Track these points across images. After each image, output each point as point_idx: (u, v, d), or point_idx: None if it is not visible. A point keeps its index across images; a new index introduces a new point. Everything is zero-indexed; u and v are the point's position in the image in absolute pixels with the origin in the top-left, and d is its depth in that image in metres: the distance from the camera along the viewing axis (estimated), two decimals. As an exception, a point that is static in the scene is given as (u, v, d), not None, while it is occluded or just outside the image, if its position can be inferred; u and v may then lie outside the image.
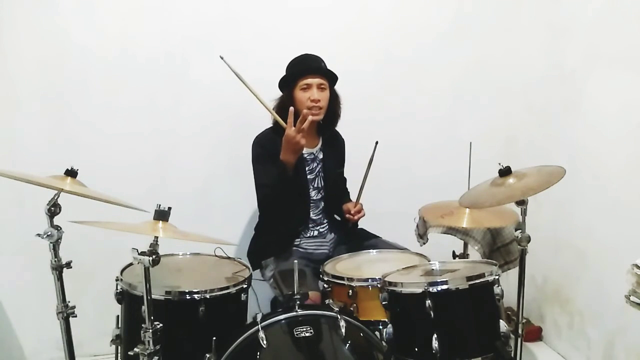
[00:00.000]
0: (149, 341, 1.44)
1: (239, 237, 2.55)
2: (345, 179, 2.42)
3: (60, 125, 2.41)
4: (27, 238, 1.66)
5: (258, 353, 1.51)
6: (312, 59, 2.16)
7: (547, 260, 2.54)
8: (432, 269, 1.79)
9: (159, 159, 2.54)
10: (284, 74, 2.17)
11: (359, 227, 2.32)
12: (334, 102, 2.20)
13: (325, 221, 2.29)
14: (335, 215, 2.39)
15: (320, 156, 2.26)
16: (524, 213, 1.67)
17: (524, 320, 1.82)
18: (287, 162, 2.01)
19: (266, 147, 2.14)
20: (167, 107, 2.52)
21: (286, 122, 2.00)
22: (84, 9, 2.37)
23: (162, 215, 1.46)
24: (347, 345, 1.58)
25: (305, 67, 2.13)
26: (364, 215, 2.25)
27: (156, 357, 1.45)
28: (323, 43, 2.51)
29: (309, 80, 2.09)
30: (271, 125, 2.21)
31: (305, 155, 2.21)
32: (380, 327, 1.72)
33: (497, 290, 1.61)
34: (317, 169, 2.26)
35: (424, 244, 2.20)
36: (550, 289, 2.58)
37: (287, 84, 2.14)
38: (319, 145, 2.27)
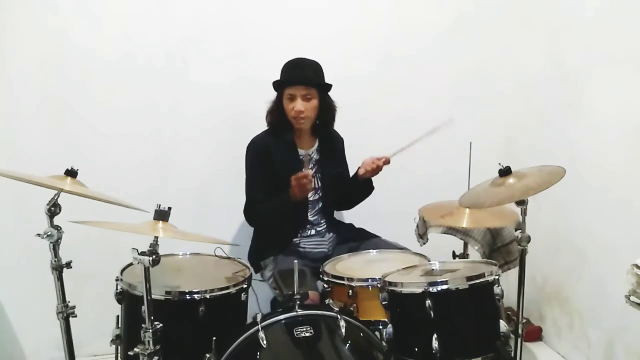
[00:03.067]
0: (149, 341, 1.44)
1: (239, 237, 2.55)
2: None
3: (60, 125, 2.41)
4: (27, 238, 1.66)
5: (258, 353, 1.51)
6: (301, 67, 2.12)
7: (547, 260, 2.54)
8: (432, 269, 1.79)
9: (159, 159, 2.54)
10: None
11: (358, 227, 2.31)
12: (325, 109, 2.18)
13: (323, 221, 2.29)
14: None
15: (317, 157, 2.26)
16: (524, 213, 1.67)
17: (524, 320, 1.82)
18: (295, 198, 2.03)
19: (261, 153, 2.15)
20: (167, 107, 2.52)
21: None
22: (83, 9, 2.37)
23: (162, 215, 1.47)
24: (347, 345, 1.58)
25: (290, 77, 2.11)
26: (377, 169, 2.16)
27: (156, 357, 1.45)
28: (323, 44, 2.52)
29: (293, 91, 2.09)
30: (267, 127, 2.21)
31: (302, 157, 2.21)
32: (380, 327, 1.72)
33: (497, 290, 1.61)
34: (314, 169, 2.25)
35: (424, 244, 2.20)
36: (550, 289, 2.58)
37: (276, 90, 2.15)
38: (315, 146, 2.27)
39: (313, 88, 2.10)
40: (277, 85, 2.13)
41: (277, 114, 2.15)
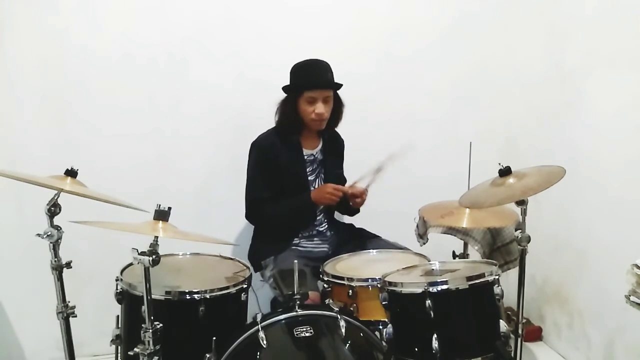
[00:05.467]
0: (149, 341, 1.44)
1: (239, 237, 2.55)
2: (345, 180, 2.42)
3: (60, 125, 2.41)
4: (27, 238, 1.66)
5: (258, 353, 1.51)
6: (320, 70, 2.11)
7: (547, 260, 2.54)
8: (432, 269, 1.80)
9: (159, 159, 2.54)
10: (289, 76, 2.15)
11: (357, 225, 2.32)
12: (337, 109, 2.20)
13: (324, 221, 2.30)
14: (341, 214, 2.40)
15: (321, 157, 2.27)
16: (524, 213, 1.67)
17: (524, 320, 1.82)
18: (314, 202, 2.12)
19: (267, 152, 2.15)
20: (167, 107, 2.52)
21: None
22: (84, 9, 2.37)
23: (162, 215, 1.46)
24: (347, 345, 1.58)
25: (313, 80, 2.09)
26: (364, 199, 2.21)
27: (156, 357, 1.45)
28: (323, 43, 2.52)
29: (315, 94, 2.08)
30: (273, 126, 2.21)
31: (306, 157, 2.22)
32: (380, 327, 1.72)
33: (497, 290, 1.61)
34: (318, 170, 2.26)
35: (424, 244, 2.20)
36: (550, 289, 2.58)
37: (292, 92, 2.12)
38: (320, 147, 2.27)
39: (332, 90, 2.11)
40: (296, 88, 2.10)
41: (292, 116, 2.13)
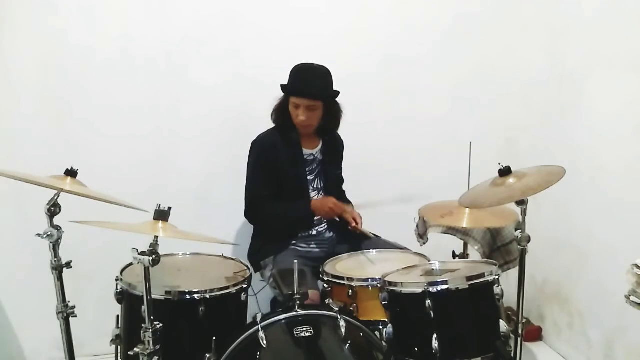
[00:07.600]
0: (149, 341, 1.44)
1: (239, 237, 2.55)
2: (342, 180, 2.43)
3: (60, 125, 2.41)
4: (27, 238, 1.66)
5: (258, 353, 1.51)
6: (309, 78, 2.10)
7: (547, 260, 2.54)
8: (432, 269, 1.80)
9: (159, 159, 2.54)
10: (288, 75, 2.15)
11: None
12: (331, 116, 2.18)
13: (324, 222, 2.30)
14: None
15: (321, 157, 2.27)
16: (524, 213, 1.67)
17: (524, 320, 1.82)
18: (313, 211, 2.14)
19: (267, 150, 2.15)
20: (167, 107, 2.51)
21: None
22: (83, 9, 2.37)
23: (162, 215, 1.46)
24: (347, 345, 1.58)
25: (297, 88, 2.10)
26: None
27: (156, 357, 1.45)
28: (323, 44, 2.52)
29: (298, 101, 2.09)
30: (273, 126, 2.21)
31: (306, 157, 2.22)
32: (380, 327, 1.73)
33: (497, 290, 1.61)
34: (317, 170, 2.26)
35: (424, 244, 2.20)
36: (550, 289, 2.58)
37: (284, 93, 2.15)
38: (319, 147, 2.27)
39: (319, 99, 2.11)
40: (284, 91, 2.13)
41: (282, 114, 2.16)
